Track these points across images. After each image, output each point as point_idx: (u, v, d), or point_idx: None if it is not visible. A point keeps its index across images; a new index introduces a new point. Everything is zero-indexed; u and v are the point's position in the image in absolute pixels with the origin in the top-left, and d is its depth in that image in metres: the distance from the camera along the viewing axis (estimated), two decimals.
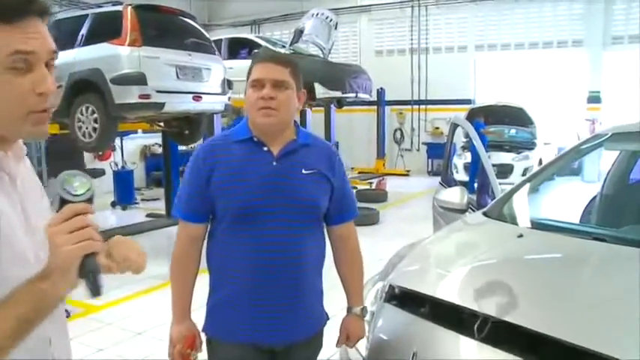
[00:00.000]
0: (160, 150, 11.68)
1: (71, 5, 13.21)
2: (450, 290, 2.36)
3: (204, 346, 2.19)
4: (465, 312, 2.12)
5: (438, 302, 2.25)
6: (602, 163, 6.54)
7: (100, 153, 11.70)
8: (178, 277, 2.17)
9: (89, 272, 1.08)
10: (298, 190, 2.06)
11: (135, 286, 5.80)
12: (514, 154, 12.64)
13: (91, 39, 7.29)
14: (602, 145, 3.58)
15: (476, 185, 11.58)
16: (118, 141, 12.07)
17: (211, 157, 2.06)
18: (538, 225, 2.84)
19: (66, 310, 1.41)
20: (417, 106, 17.18)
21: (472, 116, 12.13)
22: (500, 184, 3.79)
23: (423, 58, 16.85)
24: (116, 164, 11.99)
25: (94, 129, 7.00)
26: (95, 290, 1.10)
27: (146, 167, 14.48)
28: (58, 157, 8.12)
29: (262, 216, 2.01)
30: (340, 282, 2.33)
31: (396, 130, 17.58)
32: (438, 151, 16.35)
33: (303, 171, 2.08)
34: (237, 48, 11.99)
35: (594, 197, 4.10)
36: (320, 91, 10.75)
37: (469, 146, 12.46)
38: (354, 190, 12.02)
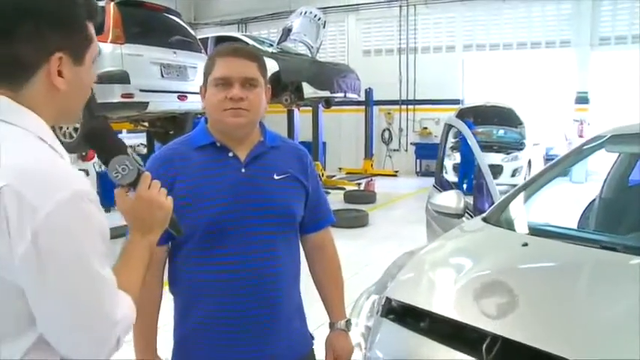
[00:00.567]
0: (145, 150, 11.45)
1: None
2: (454, 306, 2.19)
3: None
4: (470, 330, 1.96)
5: (441, 319, 2.09)
6: (590, 164, 6.46)
7: (83, 153, 11.44)
8: (139, 310, 1.88)
9: (173, 219, 1.41)
10: (272, 199, 1.84)
11: None
12: (503, 155, 12.55)
13: None
14: (603, 147, 3.45)
15: (465, 186, 11.51)
16: None
17: (170, 168, 1.79)
18: (541, 232, 2.68)
19: None
20: (405, 106, 17.06)
21: (461, 116, 12.01)
22: None
23: (411, 58, 16.73)
24: (100, 165, 11.72)
25: (76, 129, 6.79)
26: (180, 231, 1.48)
27: None
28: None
29: (234, 231, 1.79)
30: (318, 294, 2.11)
31: (384, 131, 17.45)
32: (427, 152, 16.28)
33: (275, 176, 1.86)
34: None
35: (593, 200, 3.98)
36: (308, 90, 10.59)
37: (458, 147, 12.36)
38: (343, 191, 11.98)
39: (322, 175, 13.51)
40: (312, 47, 11.35)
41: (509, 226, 2.91)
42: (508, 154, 12.65)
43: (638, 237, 2.63)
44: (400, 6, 16.62)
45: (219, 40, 12.05)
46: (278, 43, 11.40)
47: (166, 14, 7.76)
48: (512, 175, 12.33)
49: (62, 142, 6.93)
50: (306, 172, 1.96)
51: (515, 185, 11.84)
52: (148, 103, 6.79)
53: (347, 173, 16.08)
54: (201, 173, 1.80)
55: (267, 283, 1.81)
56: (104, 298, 1.09)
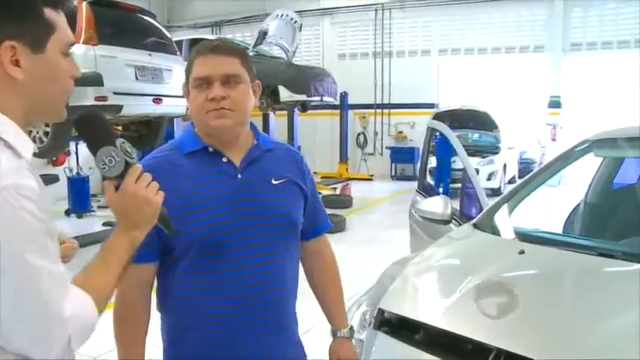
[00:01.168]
0: None
1: None
2: (451, 318, 2.10)
3: None
4: (470, 343, 1.88)
5: (439, 332, 2.00)
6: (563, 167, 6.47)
7: (54, 158, 11.17)
8: (126, 336, 1.69)
9: (163, 215, 1.33)
10: (272, 206, 1.70)
11: None
12: (479, 159, 12.58)
13: None
14: (590, 151, 3.42)
15: (441, 189, 11.48)
16: (72, 145, 11.53)
17: (159, 177, 1.47)
18: (536, 239, 2.62)
19: None
20: (380, 110, 17.07)
21: (437, 120, 12.00)
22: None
23: (386, 62, 16.74)
24: (70, 170, 11.44)
25: (46, 133, 6.59)
26: (171, 228, 1.39)
27: None
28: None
29: (233, 244, 1.64)
30: (318, 302, 2.00)
31: (359, 135, 17.43)
32: (402, 156, 16.31)
33: (273, 181, 1.73)
34: None
35: (577, 205, 3.95)
36: (284, 94, 10.49)
37: (434, 150, 12.35)
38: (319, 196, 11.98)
39: None
40: (288, 50, 11.25)
41: (502, 232, 2.84)
42: (484, 157, 12.70)
43: (635, 243, 2.58)
44: (376, 10, 16.63)
45: (194, 42, 11.89)
46: (254, 46, 11.27)
47: (141, 15, 7.59)
48: (488, 179, 12.40)
49: None
50: (303, 175, 1.85)
51: (491, 189, 11.91)
52: (122, 106, 6.61)
53: (322, 177, 16.00)
54: (194, 182, 1.64)
55: (270, 300, 1.69)
56: (42, 291, 1.03)
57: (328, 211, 8.57)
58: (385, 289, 2.43)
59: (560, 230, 3.78)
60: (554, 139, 14.53)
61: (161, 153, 1.74)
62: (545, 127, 14.86)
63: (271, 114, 11.96)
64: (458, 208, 3.95)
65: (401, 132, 16.82)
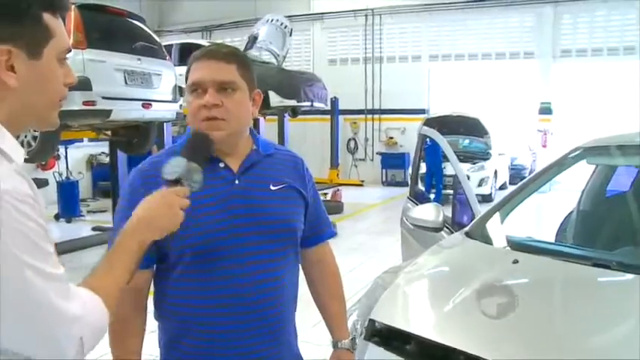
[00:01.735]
0: (107, 159, 11.14)
1: None
2: (444, 330, 2.06)
3: None
4: (462, 355, 1.84)
5: (431, 344, 1.96)
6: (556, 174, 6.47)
7: (43, 162, 11.08)
8: (120, 343, 1.63)
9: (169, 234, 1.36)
10: (270, 212, 1.65)
11: None
12: (470, 165, 12.57)
13: None
14: (584, 159, 3.39)
15: (432, 195, 11.49)
16: (62, 150, 11.44)
17: (155, 183, 1.48)
18: (529, 248, 2.58)
19: None
20: (370, 116, 17.06)
21: (428, 127, 11.99)
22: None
23: (377, 68, 16.74)
24: (60, 174, 11.35)
25: (34, 137, 6.51)
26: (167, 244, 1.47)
27: (93, 177, 13.90)
28: None
29: (230, 250, 1.60)
30: (319, 312, 1.96)
31: (349, 140, 17.40)
32: (392, 161, 16.29)
33: (272, 187, 1.68)
34: (188, 54, 11.43)
35: (570, 213, 3.93)
36: (275, 99, 10.45)
37: (424, 156, 12.35)
38: None
39: None
40: (278, 55, 11.22)
41: (494, 241, 2.80)
42: (474, 164, 12.69)
43: (629, 253, 2.55)
44: (366, 15, 16.63)
45: (184, 47, 11.84)
46: (244, 51, 11.21)
47: (130, 19, 7.52)
48: (479, 185, 12.40)
49: None
50: (304, 180, 1.80)
51: (482, 195, 11.91)
52: (110, 110, 6.54)
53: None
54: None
55: (267, 309, 1.64)
56: (44, 294, 0.99)
57: None
58: (376, 298, 2.38)
59: (552, 238, 3.76)
60: (544, 146, 14.58)
61: (158, 158, 1.67)
62: (535, 134, 14.90)
63: (261, 119, 11.90)
64: (450, 214, 3.91)
65: (391, 138, 16.81)
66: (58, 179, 11.16)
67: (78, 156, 13.24)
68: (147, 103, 7.05)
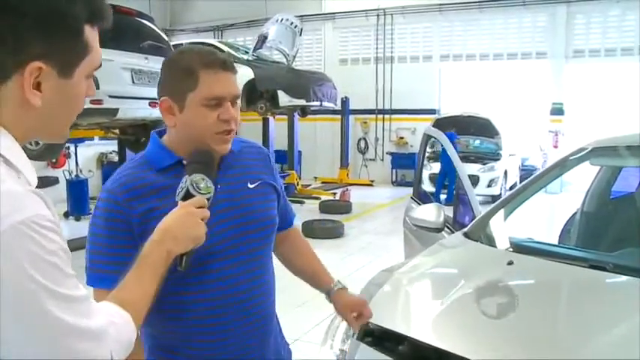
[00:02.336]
0: (116, 158, 11.18)
1: None
2: (435, 332, 2.04)
3: None
4: (454, 357, 1.82)
5: (423, 345, 1.94)
6: (565, 174, 6.42)
7: (54, 160, 11.15)
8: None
9: (193, 250, 1.38)
10: (253, 210, 1.66)
11: None
12: (480, 165, 12.52)
13: None
14: (587, 160, 3.35)
15: (444, 197, 11.43)
16: (72, 148, 11.51)
17: (136, 198, 1.48)
18: (526, 249, 2.55)
19: None
20: (381, 116, 16.99)
21: (438, 127, 11.91)
22: None
23: (387, 67, 16.67)
24: (70, 172, 11.42)
25: None
26: (186, 263, 1.38)
27: (103, 175, 13.94)
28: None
29: (220, 254, 1.58)
30: (300, 277, 1.99)
31: (360, 140, 17.35)
32: (403, 162, 16.22)
33: (249, 185, 1.69)
34: None
35: (574, 214, 3.88)
36: (284, 99, 10.46)
37: (436, 157, 12.30)
38: (318, 201, 11.84)
39: (297, 184, 13.36)
40: (288, 55, 11.22)
41: (492, 242, 2.77)
42: (484, 164, 12.63)
43: (627, 255, 2.51)
44: (377, 15, 16.57)
45: None
46: (254, 51, 11.24)
47: (138, 19, 7.55)
48: (489, 186, 12.32)
49: (25, 149, 6.76)
50: (273, 173, 1.81)
51: (492, 196, 11.84)
52: (117, 109, 6.58)
53: (322, 182, 15.94)
54: (174, 200, 1.44)
55: (258, 304, 1.66)
56: (63, 318, 0.90)
57: (327, 216, 8.60)
58: (371, 297, 2.36)
59: (556, 239, 3.72)
60: (556, 146, 14.45)
61: (132, 172, 1.60)
62: (547, 134, 14.78)
63: (271, 119, 11.92)
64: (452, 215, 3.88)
65: (402, 138, 16.74)
66: (67, 177, 11.22)
67: (89, 154, 13.29)
68: (154, 102, 7.07)
